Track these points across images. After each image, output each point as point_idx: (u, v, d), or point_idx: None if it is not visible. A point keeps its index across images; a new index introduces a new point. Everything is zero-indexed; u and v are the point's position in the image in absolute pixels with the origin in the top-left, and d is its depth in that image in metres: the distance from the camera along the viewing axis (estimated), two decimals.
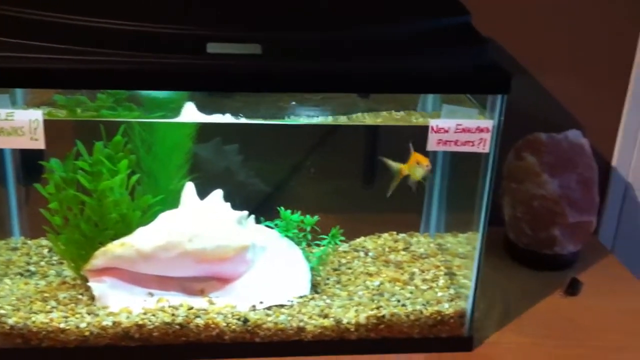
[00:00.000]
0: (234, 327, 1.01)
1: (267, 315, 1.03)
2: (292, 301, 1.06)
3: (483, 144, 0.95)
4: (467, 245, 1.10)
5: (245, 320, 1.02)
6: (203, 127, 1.15)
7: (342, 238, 1.12)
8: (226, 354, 1.02)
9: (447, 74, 0.92)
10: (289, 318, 1.03)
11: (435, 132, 0.94)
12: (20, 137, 0.89)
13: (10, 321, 0.98)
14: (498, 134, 0.95)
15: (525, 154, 1.26)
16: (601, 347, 1.09)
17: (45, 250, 1.17)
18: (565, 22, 1.31)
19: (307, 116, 1.03)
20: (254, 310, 1.03)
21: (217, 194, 1.09)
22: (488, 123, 0.94)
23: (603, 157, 1.42)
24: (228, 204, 1.09)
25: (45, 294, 1.05)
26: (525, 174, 1.26)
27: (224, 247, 1.04)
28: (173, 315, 1.01)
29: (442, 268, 1.18)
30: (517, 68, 1.31)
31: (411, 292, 1.11)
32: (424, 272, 1.17)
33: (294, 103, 1.02)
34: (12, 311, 1.00)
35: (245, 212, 1.09)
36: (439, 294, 1.10)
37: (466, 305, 1.06)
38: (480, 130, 0.94)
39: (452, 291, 1.11)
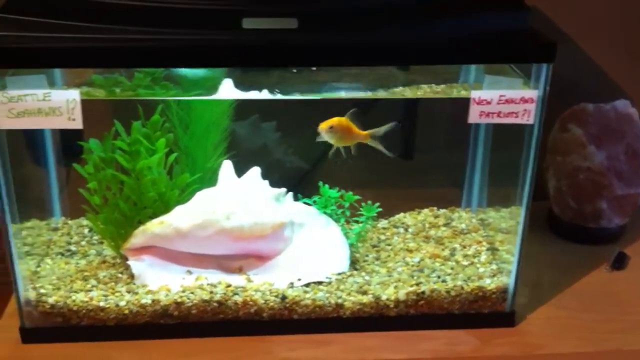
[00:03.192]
0: (272, 304, 1.01)
1: (305, 292, 1.02)
2: (330, 278, 1.05)
3: (527, 115, 0.92)
4: (510, 220, 1.08)
5: (283, 297, 1.01)
6: (240, 104, 1.14)
7: (379, 210, 1.10)
8: (264, 331, 1.02)
9: (490, 43, 0.89)
10: (327, 295, 1.02)
11: (478, 103, 0.91)
12: (57, 117, 0.89)
13: (51, 300, 0.99)
14: (543, 105, 0.92)
15: (570, 125, 1.23)
16: None
17: (86, 230, 1.18)
18: None
19: (345, 90, 1.01)
20: (292, 287, 1.03)
21: (255, 171, 1.08)
22: (532, 93, 0.91)
23: None
24: (266, 182, 1.08)
25: (86, 273, 1.06)
26: (570, 146, 1.23)
27: (262, 225, 1.04)
28: (211, 292, 1.01)
29: (484, 243, 1.16)
30: (562, 36, 1.27)
31: (452, 268, 1.09)
32: (465, 248, 1.15)
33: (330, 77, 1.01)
34: (53, 290, 1.01)
35: (283, 190, 1.08)
36: (481, 269, 1.08)
37: (509, 280, 1.04)
38: (524, 101, 0.91)
39: (494, 266, 1.09)
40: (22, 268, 1.00)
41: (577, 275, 1.17)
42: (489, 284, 1.04)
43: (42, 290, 1.01)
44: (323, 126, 1.01)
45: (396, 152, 1.06)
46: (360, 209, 1.11)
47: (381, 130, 1.04)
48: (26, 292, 1.00)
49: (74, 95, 0.89)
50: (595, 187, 1.22)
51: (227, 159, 1.10)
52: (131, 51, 0.87)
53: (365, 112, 1.18)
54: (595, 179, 1.22)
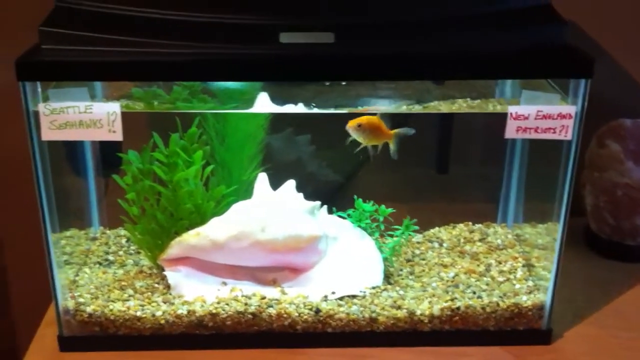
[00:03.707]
0: (305, 317, 1.01)
1: (339, 305, 1.02)
2: (364, 292, 1.05)
3: (565, 131, 0.91)
4: (546, 236, 1.07)
5: (317, 311, 1.01)
6: (275, 118, 1.15)
7: (416, 227, 1.10)
8: (298, 344, 1.02)
9: (528, 58, 0.89)
10: (361, 309, 1.02)
11: (515, 119, 0.91)
12: (98, 129, 0.91)
13: (89, 309, 1.01)
14: (581, 121, 0.91)
15: (608, 141, 1.22)
16: None
17: (124, 240, 1.20)
18: None
19: (380, 104, 1.01)
20: (326, 300, 1.03)
21: (290, 184, 1.09)
22: (570, 109, 0.91)
23: None
24: (300, 195, 1.08)
25: (123, 283, 1.07)
26: (608, 162, 1.21)
27: (296, 237, 1.04)
28: (246, 304, 1.01)
29: (520, 259, 1.15)
30: (599, 51, 1.25)
31: (487, 284, 1.08)
32: (501, 264, 1.14)
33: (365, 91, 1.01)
34: (91, 299, 1.03)
35: (318, 203, 1.09)
36: (517, 286, 1.07)
37: (545, 297, 1.03)
38: (562, 116, 0.90)
39: (530, 283, 1.08)
40: (61, 277, 1.01)
41: (615, 293, 1.15)
42: (525, 300, 1.03)
43: (80, 300, 1.02)
44: (352, 124, 1.01)
45: (398, 157, 1.05)
46: (400, 226, 1.10)
47: (401, 132, 1.04)
48: (65, 300, 1.01)
49: (114, 107, 0.90)
50: (634, 204, 1.21)
51: (262, 171, 1.11)
52: (170, 65, 0.89)
53: (400, 125, 1.18)
54: (633, 195, 1.20)
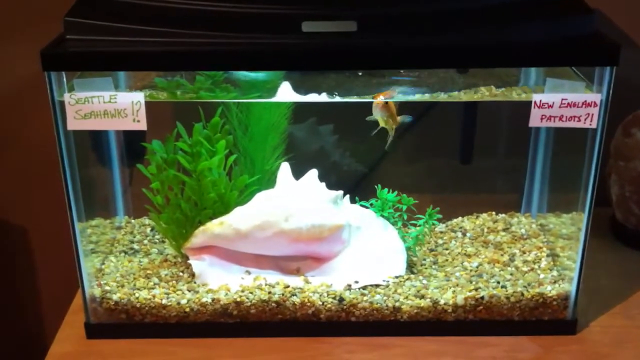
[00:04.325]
0: (329, 305, 1.02)
1: (363, 294, 1.02)
2: (387, 281, 1.05)
3: (590, 119, 0.90)
4: (571, 226, 1.06)
5: (341, 300, 1.02)
6: (298, 107, 1.15)
7: (439, 216, 1.10)
8: (321, 333, 1.03)
9: (553, 46, 0.88)
10: (385, 298, 1.02)
11: (539, 107, 0.90)
12: (123, 119, 0.92)
13: (115, 297, 1.02)
14: (606, 109, 0.90)
15: (634, 130, 1.20)
16: None
17: (148, 229, 1.21)
18: None
19: (403, 93, 1.01)
20: (350, 289, 1.03)
21: (313, 173, 1.09)
22: (596, 97, 0.90)
23: None
24: (323, 184, 1.09)
25: (148, 271, 1.08)
26: (633, 151, 1.20)
27: (319, 227, 1.04)
28: (270, 293, 1.02)
29: (544, 249, 1.14)
30: (625, 40, 1.24)
31: (511, 274, 1.07)
32: (525, 254, 1.13)
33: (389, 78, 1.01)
34: (117, 287, 1.04)
35: (341, 192, 1.09)
36: (541, 275, 1.07)
37: (570, 287, 1.02)
38: (587, 104, 0.89)
39: (555, 273, 1.07)
40: (88, 265, 1.03)
41: None
42: (550, 290, 1.03)
43: (106, 288, 1.04)
44: (379, 100, 0.98)
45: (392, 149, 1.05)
46: (424, 215, 1.10)
47: (405, 120, 1.03)
48: (91, 288, 1.03)
49: (139, 97, 0.91)
50: None
51: (285, 161, 1.12)
52: (193, 55, 0.89)
53: (423, 114, 1.18)
54: None
